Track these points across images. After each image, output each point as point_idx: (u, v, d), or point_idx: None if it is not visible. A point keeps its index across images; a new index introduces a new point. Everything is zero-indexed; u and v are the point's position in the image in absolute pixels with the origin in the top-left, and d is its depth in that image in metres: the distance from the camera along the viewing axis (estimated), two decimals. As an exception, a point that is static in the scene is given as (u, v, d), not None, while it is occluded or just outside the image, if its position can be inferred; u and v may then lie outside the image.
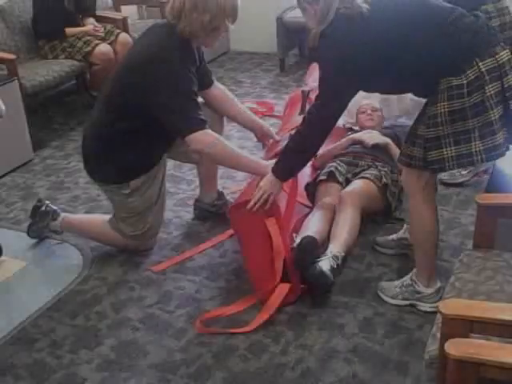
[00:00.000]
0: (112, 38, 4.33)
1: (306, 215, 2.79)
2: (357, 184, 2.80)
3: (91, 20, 4.41)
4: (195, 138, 2.45)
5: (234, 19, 2.50)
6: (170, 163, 3.28)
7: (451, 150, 2.03)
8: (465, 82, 1.97)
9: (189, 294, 2.53)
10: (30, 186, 3.49)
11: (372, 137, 3.10)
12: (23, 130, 3.73)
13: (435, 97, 2.02)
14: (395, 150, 2.96)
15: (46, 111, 4.58)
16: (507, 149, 2.04)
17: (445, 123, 2.01)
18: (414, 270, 2.36)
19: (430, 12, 2.07)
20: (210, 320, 2.35)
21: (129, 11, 5.10)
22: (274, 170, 2.39)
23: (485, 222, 1.84)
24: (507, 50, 2.03)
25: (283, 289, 2.38)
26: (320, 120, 2.23)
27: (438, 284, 2.35)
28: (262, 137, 2.96)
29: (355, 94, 2.21)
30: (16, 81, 3.66)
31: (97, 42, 4.22)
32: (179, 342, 2.28)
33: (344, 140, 3.17)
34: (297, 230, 2.66)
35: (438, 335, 1.50)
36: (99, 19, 4.50)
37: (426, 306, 2.35)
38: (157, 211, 2.76)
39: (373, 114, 3.36)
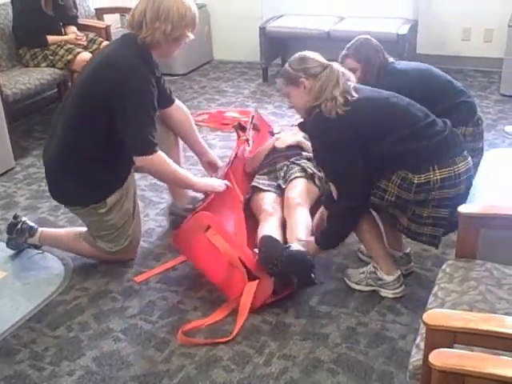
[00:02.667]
0: (94, 46, 4.32)
1: None
2: (292, 187, 2.87)
3: (73, 29, 4.39)
4: (144, 160, 2.49)
5: (193, 29, 2.54)
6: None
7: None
8: (416, 181, 2.22)
9: (172, 305, 2.52)
10: (11, 195, 3.45)
11: (282, 141, 3.22)
12: (4, 138, 3.68)
13: (390, 177, 2.26)
14: (307, 144, 3.07)
15: (27, 120, 4.54)
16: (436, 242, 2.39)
17: (389, 202, 2.31)
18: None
19: (406, 115, 2.32)
20: (192, 331, 2.33)
21: (111, 20, 5.10)
22: (321, 243, 2.50)
23: (467, 232, 1.85)
24: (467, 160, 2.30)
25: (251, 287, 2.39)
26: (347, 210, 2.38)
27: (398, 272, 2.50)
28: (209, 167, 3.06)
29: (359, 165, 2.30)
30: (-3, 89, 3.63)
31: (79, 50, 4.21)
32: (162, 353, 2.26)
33: (261, 148, 3.26)
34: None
35: (422, 345, 1.50)
36: (81, 28, 4.49)
37: (388, 293, 2.49)
38: (135, 223, 2.74)
39: None
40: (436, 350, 1.27)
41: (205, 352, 2.25)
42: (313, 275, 2.45)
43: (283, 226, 2.72)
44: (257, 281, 2.41)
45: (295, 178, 2.92)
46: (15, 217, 2.87)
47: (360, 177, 2.30)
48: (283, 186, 2.93)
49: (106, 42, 4.35)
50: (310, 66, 2.38)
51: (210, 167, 3.06)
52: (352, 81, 2.40)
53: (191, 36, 2.55)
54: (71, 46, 4.21)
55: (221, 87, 5.24)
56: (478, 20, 5.15)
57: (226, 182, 2.80)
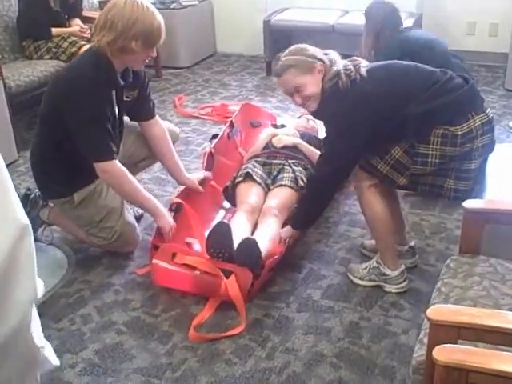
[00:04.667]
0: (98, 38, 4.29)
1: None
2: (276, 195, 2.86)
3: (77, 21, 4.38)
4: (101, 167, 2.48)
5: (147, 44, 2.42)
6: (156, 165, 3.27)
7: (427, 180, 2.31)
8: (459, 133, 2.19)
9: (174, 298, 2.51)
10: (15, 187, 3.43)
11: (280, 140, 3.20)
12: (8, 130, 3.68)
13: (428, 138, 2.22)
14: (307, 148, 3.14)
15: (30, 112, 4.53)
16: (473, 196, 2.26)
17: (433, 164, 2.24)
18: (379, 254, 2.49)
19: (426, 73, 2.32)
20: (197, 326, 2.33)
21: (115, 12, 5.07)
22: (292, 223, 2.58)
23: (471, 228, 1.84)
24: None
25: (231, 280, 2.38)
26: (333, 172, 2.37)
27: (403, 267, 2.49)
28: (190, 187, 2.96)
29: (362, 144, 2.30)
30: (0, 81, 3.62)
31: (83, 42, 4.19)
32: (164, 346, 2.26)
33: (259, 142, 3.27)
34: None
35: (425, 341, 1.50)
36: (85, 20, 4.47)
37: (391, 288, 2.49)
38: (124, 217, 2.71)
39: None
40: (440, 346, 1.26)
41: (207, 346, 2.25)
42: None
43: (255, 226, 2.73)
44: (233, 275, 2.41)
45: (284, 185, 2.89)
46: (28, 189, 2.90)
47: (357, 155, 2.32)
48: (270, 187, 2.93)
49: (109, 35, 4.33)
50: (313, 51, 2.38)
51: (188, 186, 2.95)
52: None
53: (147, 51, 2.44)
54: (75, 38, 4.20)
55: (224, 80, 5.23)
56: (483, 14, 5.12)
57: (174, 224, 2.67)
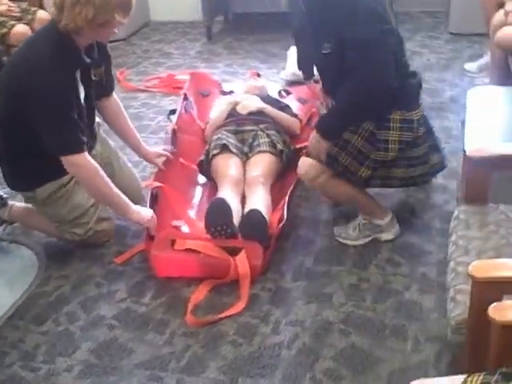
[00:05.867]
0: (29, 16, 4.00)
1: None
2: (258, 163, 2.76)
3: (4, 0, 4.06)
4: (69, 160, 2.28)
5: (125, 13, 2.22)
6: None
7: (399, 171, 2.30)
8: (415, 118, 2.24)
9: (162, 283, 2.38)
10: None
11: (245, 106, 3.10)
12: None
13: (388, 124, 2.22)
14: (273, 112, 3.07)
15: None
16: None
17: (393, 150, 2.23)
18: (362, 212, 2.49)
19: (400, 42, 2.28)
20: (193, 310, 2.21)
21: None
22: (324, 132, 2.29)
23: (478, 176, 1.79)
24: None
25: (241, 256, 2.28)
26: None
27: (390, 212, 2.49)
28: (149, 159, 2.85)
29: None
30: None
31: (12, 22, 3.90)
32: (162, 335, 2.14)
33: (221, 111, 3.14)
34: None
35: (460, 298, 1.44)
36: (13, -3, 4.15)
37: (389, 235, 2.48)
38: (98, 216, 2.53)
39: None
40: (496, 304, 1.20)
41: (207, 329, 2.14)
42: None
43: (243, 199, 2.63)
44: (242, 251, 2.30)
45: (263, 151, 2.80)
46: None
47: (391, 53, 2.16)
48: (249, 155, 2.82)
49: (41, 11, 4.05)
50: None
51: (150, 158, 2.84)
52: None
53: (124, 21, 2.23)
54: (4, 18, 3.89)
55: (165, 50, 5.01)
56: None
57: (152, 214, 2.49)
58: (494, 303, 1.20)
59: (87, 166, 2.30)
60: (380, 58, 2.11)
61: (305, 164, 2.35)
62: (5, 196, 2.66)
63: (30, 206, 2.61)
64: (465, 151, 1.89)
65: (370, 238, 2.47)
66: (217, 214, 2.36)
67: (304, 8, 2.33)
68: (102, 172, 2.34)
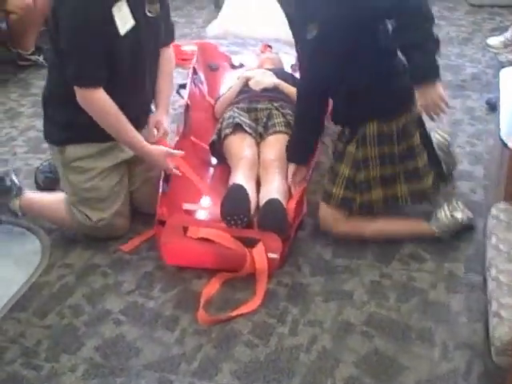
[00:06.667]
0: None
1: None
2: (273, 145, 2.60)
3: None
4: (81, 93, 2.14)
5: None
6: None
7: (379, 192, 2.19)
8: (394, 129, 2.11)
9: (171, 275, 2.25)
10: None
11: (258, 82, 2.91)
12: None
13: (363, 140, 2.13)
14: (288, 89, 2.86)
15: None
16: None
17: (374, 167, 2.14)
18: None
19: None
20: (205, 305, 2.08)
21: None
22: (289, 158, 2.43)
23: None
24: None
25: (259, 249, 2.14)
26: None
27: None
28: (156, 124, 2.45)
29: None
30: None
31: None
32: (172, 332, 2.01)
33: (233, 87, 2.96)
34: None
35: (504, 314, 1.32)
36: None
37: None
38: (118, 208, 2.37)
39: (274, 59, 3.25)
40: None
41: (220, 327, 2.01)
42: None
43: (258, 182, 2.49)
44: (260, 243, 2.16)
45: (278, 131, 2.64)
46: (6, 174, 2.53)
47: None
48: (264, 135, 2.67)
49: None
50: None
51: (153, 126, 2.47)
52: None
53: None
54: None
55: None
56: None
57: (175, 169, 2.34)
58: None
59: (99, 103, 2.15)
60: None
61: (322, 216, 2.30)
62: (22, 187, 2.51)
63: (42, 196, 2.49)
64: (505, 143, 1.73)
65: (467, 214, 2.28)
66: (234, 202, 2.23)
67: None
68: (114, 109, 2.17)
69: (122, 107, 2.19)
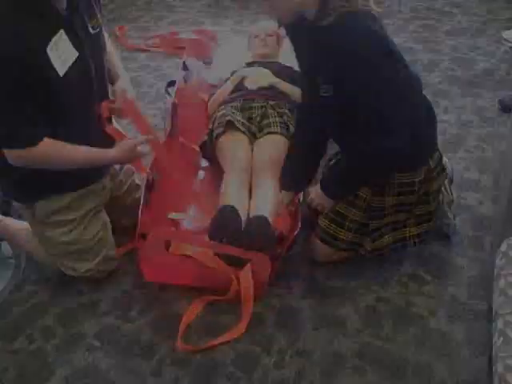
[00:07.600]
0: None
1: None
2: (267, 145, 2.41)
3: None
4: (12, 153, 1.80)
5: None
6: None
7: (389, 238, 2.04)
8: (417, 179, 1.91)
9: (151, 293, 2.09)
10: None
11: (254, 80, 2.69)
12: None
13: (381, 188, 1.93)
14: (286, 86, 2.66)
15: None
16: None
17: (390, 215, 1.98)
18: None
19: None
20: (185, 332, 1.92)
21: None
22: (285, 185, 2.21)
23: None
24: None
25: (246, 271, 1.96)
26: None
27: None
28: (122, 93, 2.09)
29: None
30: None
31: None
32: (149, 361, 1.85)
33: (227, 85, 2.75)
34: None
35: (510, 379, 1.13)
36: None
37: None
38: (104, 252, 2.12)
39: (267, 39, 2.93)
40: None
41: (201, 356, 1.85)
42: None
43: (250, 185, 2.32)
44: (249, 264, 1.98)
45: (273, 132, 2.44)
46: None
47: None
48: (257, 135, 2.48)
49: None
50: None
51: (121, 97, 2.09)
52: None
53: None
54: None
55: (168, 2, 4.58)
56: None
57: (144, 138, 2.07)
58: None
59: (36, 159, 1.81)
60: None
61: (315, 252, 2.14)
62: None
63: (22, 224, 2.21)
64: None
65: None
66: (224, 227, 2.03)
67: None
68: (54, 150, 1.83)
69: (83, 138, 1.90)
